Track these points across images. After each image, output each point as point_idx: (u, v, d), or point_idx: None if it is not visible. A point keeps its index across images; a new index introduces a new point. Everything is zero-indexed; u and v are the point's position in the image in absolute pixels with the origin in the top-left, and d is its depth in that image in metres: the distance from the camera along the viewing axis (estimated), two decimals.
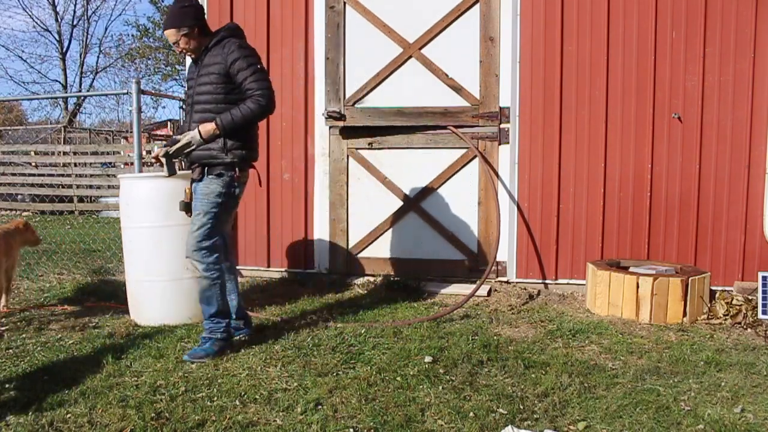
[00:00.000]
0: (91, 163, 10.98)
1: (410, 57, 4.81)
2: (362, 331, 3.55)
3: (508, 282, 4.73)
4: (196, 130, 3.12)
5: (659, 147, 4.45)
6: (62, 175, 10.95)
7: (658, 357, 3.20)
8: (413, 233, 4.89)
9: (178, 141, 3.18)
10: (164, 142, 4.54)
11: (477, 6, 4.68)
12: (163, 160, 3.21)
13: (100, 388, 2.75)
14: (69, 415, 2.48)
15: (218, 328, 3.24)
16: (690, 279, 3.89)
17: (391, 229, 4.94)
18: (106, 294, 4.61)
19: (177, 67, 22.76)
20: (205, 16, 3.33)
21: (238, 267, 5.13)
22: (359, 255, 4.99)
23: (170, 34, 3.25)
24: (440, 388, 2.77)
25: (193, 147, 3.15)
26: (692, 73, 4.36)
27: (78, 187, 10.89)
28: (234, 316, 3.47)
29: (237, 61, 3.13)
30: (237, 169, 3.22)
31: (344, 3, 4.87)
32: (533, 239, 4.66)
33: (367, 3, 4.85)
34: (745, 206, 4.34)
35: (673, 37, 4.39)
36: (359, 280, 4.83)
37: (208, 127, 3.11)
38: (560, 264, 4.64)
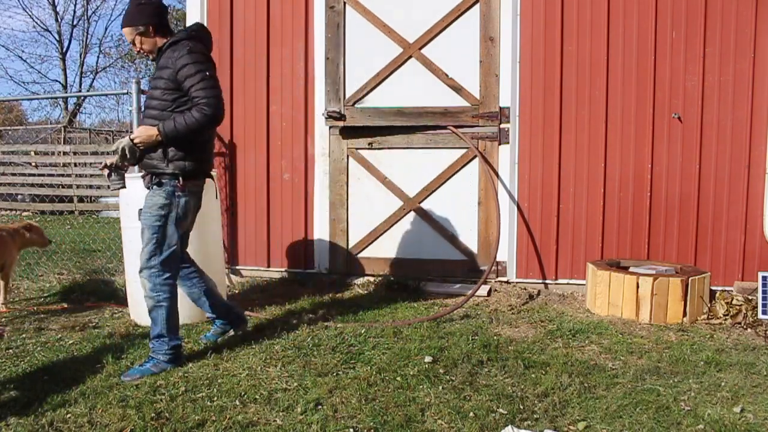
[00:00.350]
0: (91, 163, 10.97)
1: (410, 57, 4.81)
2: (362, 331, 3.55)
3: (508, 282, 4.73)
4: (128, 136, 2.96)
5: (659, 147, 4.45)
6: (62, 175, 10.95)
7: (658, 357, 3.20)
8: (413, 233, 4.89)
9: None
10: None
11: (477, 6, 4.68)
12: (106, 172, 3.05)
13: (100, 388, 2.75)
14: (69, 415, 2.48)
15: (161, 348, 3.01)
16: (690, 279, 3.89)
17: (391, 229, 4.94)
18: (106, 294, 4.61)
19: None
20: (167, 15, 3.14)
21: (238, 267, 5.16)
22: (359, 255, 4.99)
23: (126, 33, 3.09)
24: (440, 388, 2.76)
25: (135, 154, 2.96)
26: (692, 73, 4.36)
27: (78, 187, 10.89)
28: (213, 316, 3.42)
29: (185, 67, 2.92)
30: (181, 179, 3.01)
31: (344, 3, 4.87)
32: (533, 239, 4.66)
33: (367, 3, 4.85)
34: (745, 206, 4.34)
35: (673, 37, 4.39)
36: (359, 280, 4.83)
37: (150, 132, 2.93)
38: (560, 264, 4.64)
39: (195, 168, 3.06)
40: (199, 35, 3.12)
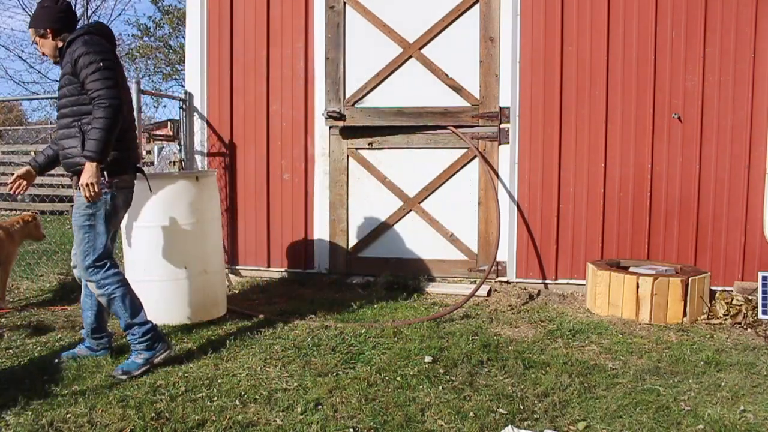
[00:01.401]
0: None
1: (410, 57, 4.80)
2: (362, 331, 3.55)
3: (508, 282, 4.73)
4: (79, 184, 2.88)
5: (659, 147, 4.44)
6: (62, 175, 10.94)
7: (658, 357, 3.20)
8: (413, 233, 4.89)
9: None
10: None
11: (477, 6, 4.68)
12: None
13: (100, 388, 2.75)
14: (69, 415, 2.48)
15: (135, 339, 3.01)
16: (690, 279, 3.89)
17: (391, 229, 4.94)
18: None
19: (177, 66, 22.76)
20: (72, 17, 3.08)
21: (238, 267, 5.16)
22: (359, 255, 4.99)
23: (30, 33, 3.06)
24: (440, 388, 2.76)
25: (99, 178, 2.89)
26: (692, 73, 4.36)
27: None
28: (90, 334, 3.21)
29: (80, 58, 2.87)
30: (105, 173, 2.93)
31: (344, 3, 4.87)
32: (533, 239, 4.66)
33: (367, 3, 4.85)
34: (745, 206, 4.34)
35: (673, 37, 4.38)
36: (359, 280, 4.83)
37: (91, 170, 2.84)
38: (560, 264, 4.64)
39: (118, 162, 3.00)
40: (98, 29, 3.06)
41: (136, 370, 2.94)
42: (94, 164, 2.85)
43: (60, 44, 3.04)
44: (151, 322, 3.10)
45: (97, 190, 2.87)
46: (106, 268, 3.01)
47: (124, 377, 2.89)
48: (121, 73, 3.07)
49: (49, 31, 3.02)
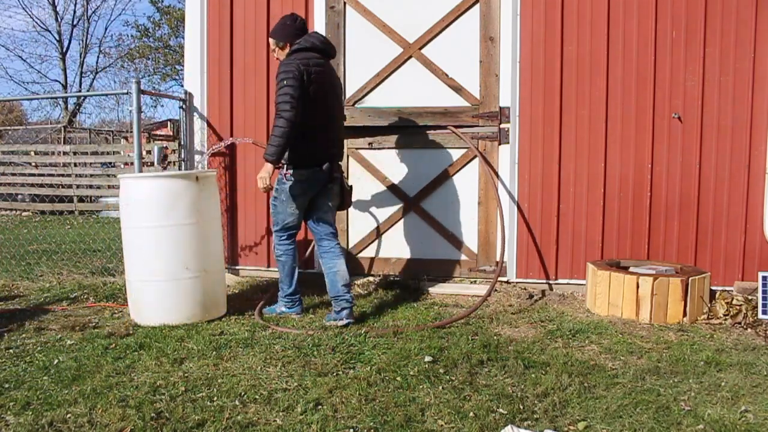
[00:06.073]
0: (91, 163, 10.95)
1: (410, 57, 4.81)
2: (362, 331, 3.55)
3: (508, 282, 4.73)
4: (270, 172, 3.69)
5: (659, 147, 4.44)
6: (62, 175, 10.93)
7: (658, 357, 3.20)
8: (413, 233, 4.89)
9: None
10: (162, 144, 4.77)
11: (477, 6, 4.68)
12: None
13: (100, 388, 2.75)
14: (69, 415, 2.48)
15: (281, 294, 3.98)
16: (690, 279, 3.89)
17: (391, 229, 4.94)
18: (106, 294, 4.61)
19: (176, 67, 22.75)
20: (304, 34, 3.82)
21: (238, 267, 5.16)
22: (359, 255, 4.99)
23: (271, 42, 3.88)
24: (440, 388, 2.76)
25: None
26: (692, 73, 4.36)
27: (78, 187, 10.86)
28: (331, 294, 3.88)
29: (278, 74, 3.58)
30: (286, 167, 3.68)
31: (344, 3, 4.87)
32: (533, 239, 4.66)
33: (367, 3, 4.85)
34: (745, 206, 4.34)
35: (673, 37, 4.39)
36: (359, 280, 4.83)
37: (263, 170, 3.69)
38: (560, 264, 4.64)
39: (295, 158, 3.74)
40: (307, 46, 3.77)
41: (272, 313, 3.98)
42: (267, 164, 3.63)
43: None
44: (298, 289, 4.00)
45: (266, 184, 3.66)
46: (282, 237, 3.87)
47: (264, 312, 3.99)
48: (319, 82, 3.68)
49: (287, 45, 3.81)
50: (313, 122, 3.68)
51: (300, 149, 3.70)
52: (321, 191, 3.86)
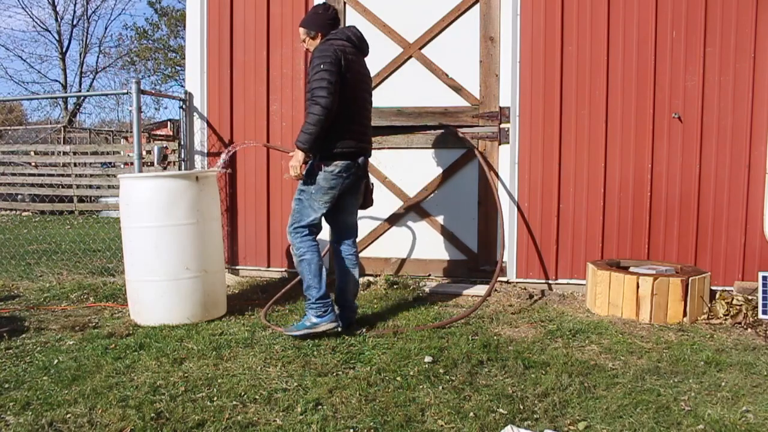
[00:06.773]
0: (91, 163, 10.95)
1: (410, 57, 4.81)
2: (362, 331, 3.55)
3: (508, 282, 4.73)
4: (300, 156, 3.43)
5: (659, 147, 4.44)
6: (62, 175, 10.94)
7: (658, 357, 3.20)
8: (413, 233, 4.89)
9: None
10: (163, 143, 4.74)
11: (477, 6, 4.68)
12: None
13: (100, 388, 2.75)
14: (69, 415, 2.48)
15: (309, 303, 3.49)
16: (690, 279, 3.88)
17: (391, 229, 4.94)
18: (106, 294, 4.61)
19: (177, 67, 22.76)
20: (337, 25, 3.58)
21: (238, 267, 5.15)
22: (359, 255, 4.98)
23: (301, 32, 3.62)
24: (440, 388, 2.76)
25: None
26: (692, 73, 4.36)
27: (78, 187, 10.87)
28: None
29: (312, 60, 3.35)
30: (317, 158, 3.45)
31: (344, 3, 4.87)
32: (533, 239, 4.66)
33: (367, 3, 4.85)
34: (745, 206, 4.34)
35: (673, 37, 4.39)
36: (360, 280, 4.82)
37: (295, 157, 3.48)
38: (560, 264, 4.64)
39: (326, 150, 3.49)
40: (340, 36, 3.52)
41: (299, 331, 3.40)
42: (299, 152, 3.38)
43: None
44: (328, 291, 3.52)
45: (297, 173, 3.43)
46: (305, 233, 3.54)
47: (286, 333, 3.42)
48: (354, 71, 3.44)
49: (319, 34, 3.52)
50: (349, 112, 3.43)
51: (335, 139, 3.42)
52: (351, 188, 3.61)
